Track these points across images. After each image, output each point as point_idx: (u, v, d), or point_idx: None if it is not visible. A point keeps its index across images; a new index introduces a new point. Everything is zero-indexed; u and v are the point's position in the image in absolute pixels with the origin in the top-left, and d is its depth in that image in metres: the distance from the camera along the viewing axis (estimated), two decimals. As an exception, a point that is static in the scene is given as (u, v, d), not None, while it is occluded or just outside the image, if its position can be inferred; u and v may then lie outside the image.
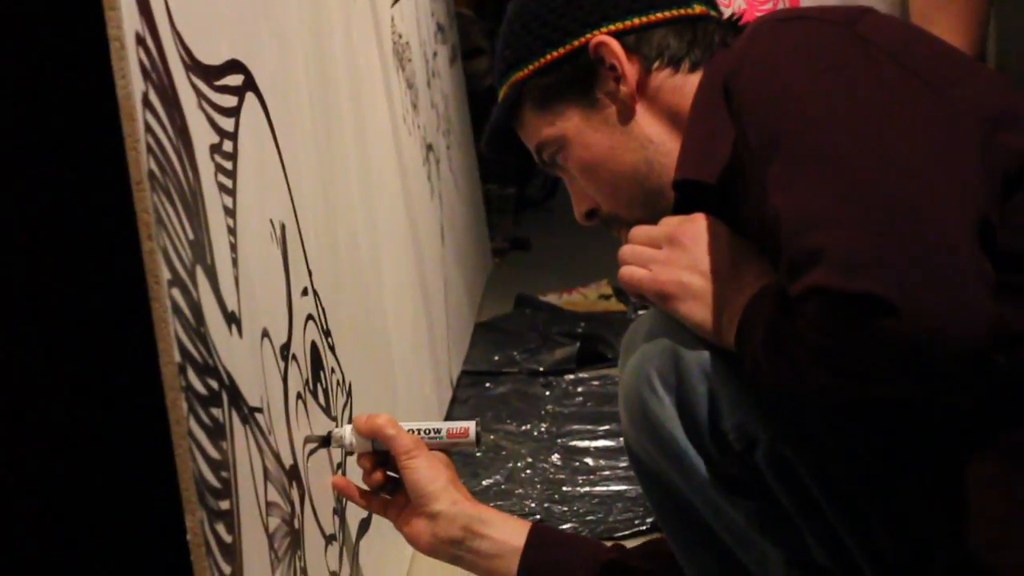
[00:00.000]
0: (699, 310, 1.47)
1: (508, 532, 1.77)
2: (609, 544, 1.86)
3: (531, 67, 1.67)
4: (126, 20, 1.12)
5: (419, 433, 1.73)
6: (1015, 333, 1.29)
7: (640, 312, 4.20)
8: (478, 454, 2.97)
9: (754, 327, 1.37)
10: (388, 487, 1.76)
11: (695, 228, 1.49)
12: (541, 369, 3.65)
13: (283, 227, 1.58)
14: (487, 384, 3.56)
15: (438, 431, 1.75)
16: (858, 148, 1.29)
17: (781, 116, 1.36)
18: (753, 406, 1.46)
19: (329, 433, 1.69)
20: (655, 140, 1.62)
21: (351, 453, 1.76)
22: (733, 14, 1.71)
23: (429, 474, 1.72)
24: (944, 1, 2.31)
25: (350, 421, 1.79)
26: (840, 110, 1.33)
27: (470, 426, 1.75)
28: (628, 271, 1.52)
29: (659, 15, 1.64)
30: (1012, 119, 1.37)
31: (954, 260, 1.21)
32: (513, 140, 1.74)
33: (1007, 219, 1.32)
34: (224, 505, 1.21)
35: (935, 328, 1.18)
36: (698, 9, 1.66)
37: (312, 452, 1.61)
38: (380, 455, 1.73)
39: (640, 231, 1.53)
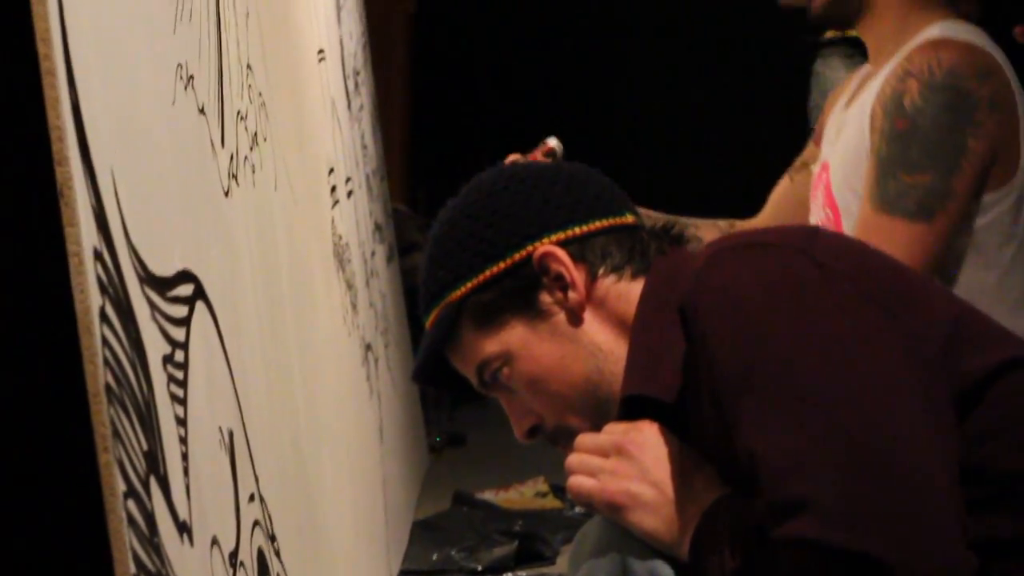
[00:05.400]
0: (649, 519, 1.47)
1: None
2: None
3: (469, 284, 1.66)
4: (84, 236, 1.14)
5: None
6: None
7: (576, 510, 4.19)
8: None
9: (714, 546, 1.38)
10: None
11: (642, 436, 1.50)
12: (480, 568, 3.62)
13: (231, 434, 1.59)
14: (426, 584, 3.53)
15: None
16: (831, 391, 1.32)
17: (752, 350, 1.37)
18: (703, 616, 1.47)
19: None
20: (604, 348, 1.63)
21: None
22: (666, 223, 1.74)
23: None
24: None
25: None
26: (811, 350, 1.35)
27: None
28: (576, 482, 1.51)
29: (598, 224, 1.66)
30: (962, 337, 1.41)
31: (940, 513, 1.23)
32: (445, 368, 1.72)
33: (964, 435, 1.35)
34: None
35: None
36: (630, 219, 1.68)
37: None
38: None
39: (586, 440, 1.54)
